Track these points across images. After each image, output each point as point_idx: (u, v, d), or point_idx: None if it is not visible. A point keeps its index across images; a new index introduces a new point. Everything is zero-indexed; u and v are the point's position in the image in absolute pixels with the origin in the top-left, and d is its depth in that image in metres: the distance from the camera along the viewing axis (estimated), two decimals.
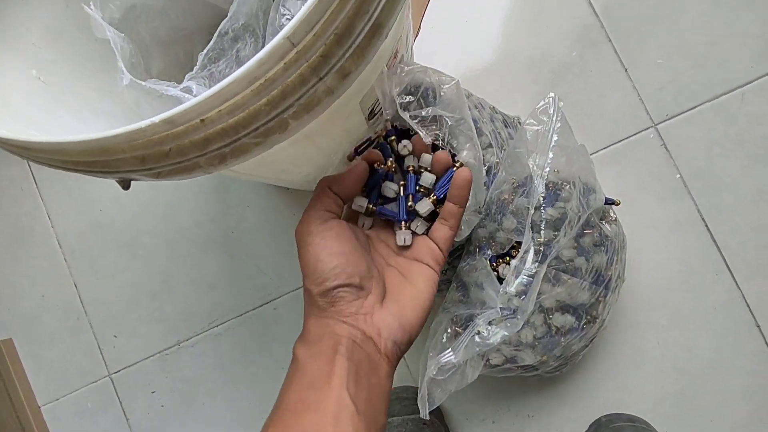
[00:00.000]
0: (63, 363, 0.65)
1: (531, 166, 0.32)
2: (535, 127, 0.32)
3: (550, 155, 0.31)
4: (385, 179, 0.34)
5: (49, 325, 0.65)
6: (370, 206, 0.33)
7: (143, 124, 0.20)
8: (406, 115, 0.31)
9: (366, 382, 0.27)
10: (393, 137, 0.35)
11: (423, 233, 0.33)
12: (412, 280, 0.31)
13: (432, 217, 0.34)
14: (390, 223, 0.34)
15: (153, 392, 0.62)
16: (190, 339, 0.62)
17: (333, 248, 0.28)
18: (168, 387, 0.62)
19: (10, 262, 0.67)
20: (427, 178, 0.33)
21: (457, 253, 0.46)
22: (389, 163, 0.33)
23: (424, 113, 0.33)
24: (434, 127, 0.33)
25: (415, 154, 0.34)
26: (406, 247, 0.33)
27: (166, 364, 0.62)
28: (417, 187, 0.34)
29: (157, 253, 0.63)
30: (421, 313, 0.30)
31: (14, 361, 0.66)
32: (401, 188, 0.33)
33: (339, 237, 0.29)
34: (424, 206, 0.32)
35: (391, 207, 0.34)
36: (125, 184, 0.26)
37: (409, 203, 0.32)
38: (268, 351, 0.61)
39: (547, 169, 0.31)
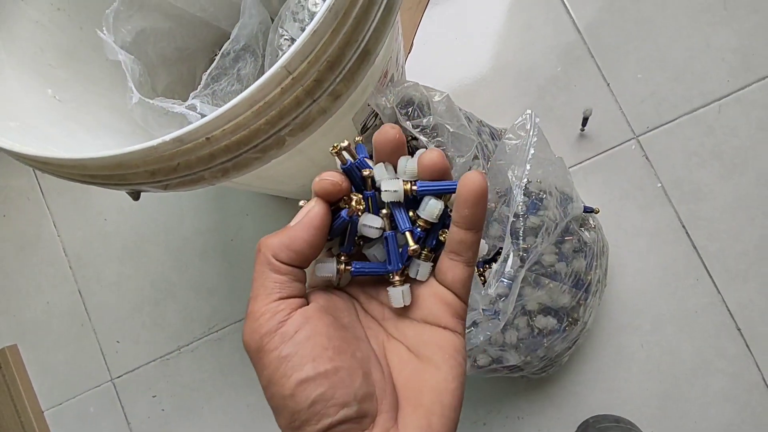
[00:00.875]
0: (66, 368, 0.67)
1: (510, 178, 0.34)
2: (514, 142, 0.35)
3: (528, 167, 0.34)
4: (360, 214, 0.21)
5: (54, 331, 0.67)
6: (345, 267, 0.22)
7: (155, 142, 0.22)
8: (408, 124, 0.34)
9: None
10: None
11: (427, 278, 0.22)
12: (429, 358, 0.21)
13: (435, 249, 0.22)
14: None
15: (154, 396, 0.64)
16: (191, 344, 0.64)
17: (306, 363, 0.18)
18: (169, 391, 0.64)
19: (16, 269, 0.69)
20: (433, 207, 0.20)
21: None
22: (353, 203, 0.20)
23: (425, 122, 0.35)
24: (435, 134, 0.36)
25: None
26: (406, 308, 0.22)
27: (167, 369, 0.64)
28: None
29: (159, 261, 0.66)
30: (453, 415, 0.20)
31: (19, 367, 0.68)
32: (386, 221, 0.21)
33: (312, 339, 0.19)
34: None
35: (374, 254, 0.22)
36: (135, 196, 0.28)
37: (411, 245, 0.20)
38: None
39: (525, 180, 0.34)
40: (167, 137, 0.22)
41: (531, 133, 0.34)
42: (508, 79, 0.60)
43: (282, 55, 0.48)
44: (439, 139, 0.34)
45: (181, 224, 0.65)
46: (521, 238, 0.36)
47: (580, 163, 0.57)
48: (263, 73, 0.48)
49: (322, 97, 0.25)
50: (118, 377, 0.65)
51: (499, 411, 0.55)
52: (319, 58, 0.23)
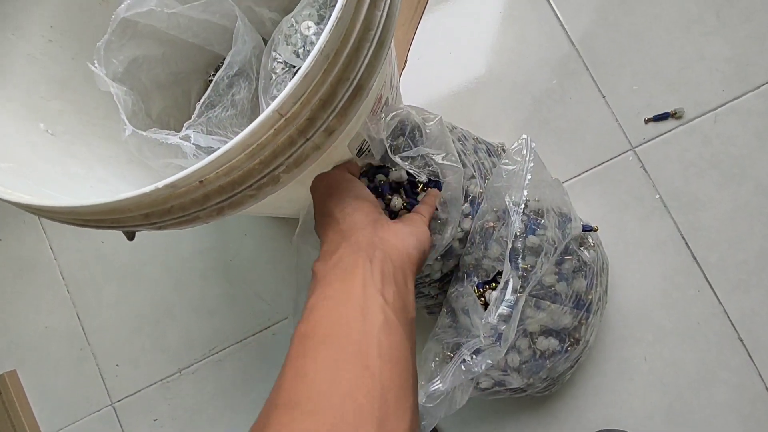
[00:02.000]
0: (66, 393, 0.66)
1: (508, 203, 0.34)
2: (511, 167, 0.35)
3: (525, 192, 0.33)
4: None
5: (53, 355, 0.67)
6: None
7: (148, 189, 0.22)
8: (397, 159, 0.34)
9: (391, 279, 0.26)
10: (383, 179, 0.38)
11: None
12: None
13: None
14: None
15: (155, 420, 0.64)
16: (191, 366, 0.63)
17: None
18: (170, 414, 0.63)
19: (14, 294, 0.69)
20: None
21: (447, 279, 0.48)
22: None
23: (412, 153, 0.35)
24: (424, 164, 0.36)
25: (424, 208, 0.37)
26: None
27: (167, 392, 0.63)
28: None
29: (158, 283, 0.65)
30: (425, 228, 0.31)
31: (18, 392, 0.67)
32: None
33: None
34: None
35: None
36: (130, 236, 0.28)
37: None
38: (268, 376, 0.62)
39: (523, 205, 0.33)
40: (159, 184, 0.22)
41: (527, 158, 0.34)
42: (504, 93, 0.60)
43: (275, 79, 0.47)
44: (430, 168, 0.33)
45: (180, 245, 0.65)
46: (521, 257, 0.36)
47: (578, 175, 0.57)
48: (257, 96, 0.48)
49: (315, 134, 0.25)
50: (119, 401, 0.65)
51: (504, 429, 0.54)
52: (311, 99, 0.23)
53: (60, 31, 0.41)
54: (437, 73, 0.61)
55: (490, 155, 0.51)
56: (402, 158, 0.36)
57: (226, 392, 0.63)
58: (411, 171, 0.37)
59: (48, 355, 0.67)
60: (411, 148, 0.36)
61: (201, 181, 0.23)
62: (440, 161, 0.33)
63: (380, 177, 0.39)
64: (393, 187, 0.41)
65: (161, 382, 0.64)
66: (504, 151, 0.56)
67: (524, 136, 0.35)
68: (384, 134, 0.35)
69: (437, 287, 0.49)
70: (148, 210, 0.24)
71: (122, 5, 0.36)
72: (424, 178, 0.36)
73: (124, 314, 0.66)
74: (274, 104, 0.22)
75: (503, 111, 0.60)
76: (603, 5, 0.59)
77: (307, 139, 0.25)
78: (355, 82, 0.25)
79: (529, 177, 0.33)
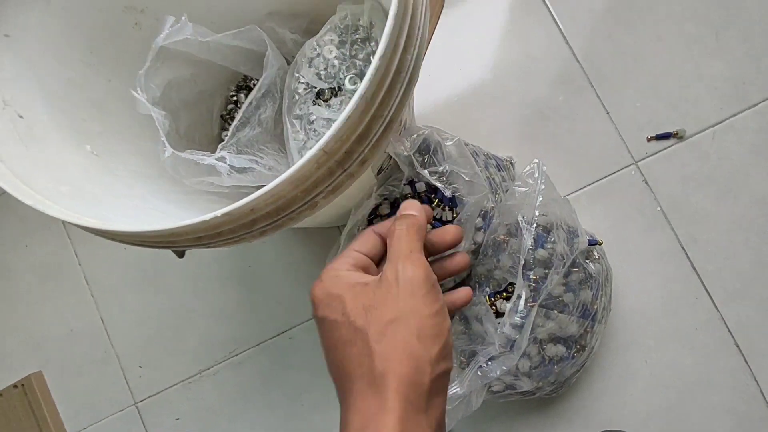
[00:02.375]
0: (91, 393, 0.69)
1: (520, 221, 0.37)
2: (523, 189, 0.38)
3: (536, 213, 0.36)
4: None
5: (78, 357, 0.70)
6: None
7: (207, 217, 0.25)
8: (425, 173, 0.36)
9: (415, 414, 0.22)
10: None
11: None
12: None
13: None
14: None
15: (177, 419, 0.66)
16: (212, 368, 0.66)
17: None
18: (191, 414, 0.66)
19: (40, 298, 0.72)
20: None
21: (458, 287, 0.50)
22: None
23: (441, 169, 0.38)
24: (451, 181, 0.38)
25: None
26: None
27: (189, 393, 0.66)
28: None
29: (178, 288, 0.68)
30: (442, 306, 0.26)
31: (44, 393, 0.70)
32: None
33: None
34: None
35: None
36: (180, 254, 0.30)
37: None
38: (285, 378, 0.65)
39: (534, 224, 0.36)
40: (218, 213, 0.25)
41: (539, 181, 0.37)
42: (511, 108, 0.62)
43: (298, 99, 0.50)
44: (455, 185, 0.36)
45: (201, 251, 0.68)
46: (531, 269, 0.39)
47: (583, 188, 0.60)
48: (280, 114, 0.50)
49: (352, 165, 0.28)
50: (142, 401, 0.68)
51: (514, 428, 0.57)
52: (350, 137, 0.26)
53: (97, 55, 0.44)
54: (445, 88, 0.64)
55: (499, 170, 0.53)
56: (430, 173, 0.38)
57: (245, 393, 0.66)
58: (438, 185, 0.39)
59: (73, 357, 0.70)
60: (436, 163, 0.39)
61: (252, 209, 0.26)
62: (467, 179, 0.35)
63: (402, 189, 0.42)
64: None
65: (183, 383, 0.66)
66: (512, 165, 0.59)
67: (536, 161, 0.38)
68: (411, 150, 0.37)
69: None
70: (203, 234, 0.27)
71: (160, 35, 0.39)
72: (449, 194, 0.39)
73: (147, 318, 0.68)
74: (320, 143, 0.25)
75: (511, 125, 0.62)
76: (607, 25, 0.61)
77: (344, 170, 0.28)
78: (388, 118, 0.28)
79: (540, 198, 0.36)
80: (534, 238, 0.37)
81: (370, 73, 0.24)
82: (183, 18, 0.39)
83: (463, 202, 0.41)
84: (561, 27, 0.62)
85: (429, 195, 0.45)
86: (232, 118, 0.49)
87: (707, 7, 0.59)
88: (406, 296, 0.24)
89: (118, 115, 0.45)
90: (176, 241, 0.27)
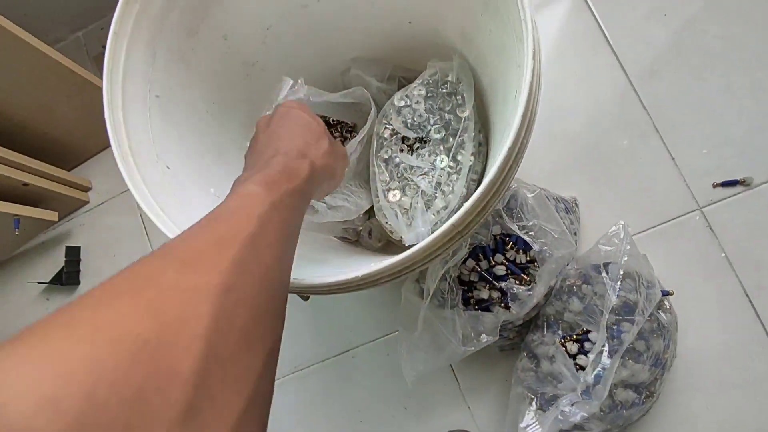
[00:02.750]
0: None
1: (605, 278, 0.39)
2: (608, 248, 0.40)
3: (621, 272, 0.39)
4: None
5: None
6: None
7: (388, 263, 0.29)
8: (515, 227, 0.40)
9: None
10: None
11: None
12: None
13: None
14: None
15: None
16: (278, 380, 0.71)
17: None
18: None
19: None
20: None
21: (526, 325, 0.53)
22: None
23: (530, 224, 0.41)
24: (539, 237, 0.42)
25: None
26: None
27: None
28: None
29: None
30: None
31: None
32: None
33: None
34: None
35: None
36: (306, 297, 0.35)
37: None
38: (346, 393, 0.69)
39: (618, 283, 0.39)
40: (395, 260, 0.29)
41: (624, 242, 0.39)
42: (576, 150, 0.65)
43: (384, 144, 0.54)
44: (542, 240, 0.39)
45: None
46: (616, 325, 0.41)
47: (645, 230, 0.62)
48: (367, 154, 0.54)
49: (468, 232, 0.31)
50: None
51: None
52: (471, 213, 0.30)
53: (216, 104, 0.49)
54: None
55: (567, 212, 0.56)
56: (519, 227, 0.42)
57: (307, 405, 0.70)
58: (526, 239, 0.42)
59: None
60: (523, 218, 0.42)
61: (405, 265, 0.30)
62: (556, 236, 0.38)
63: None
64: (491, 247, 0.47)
65: None
66: (577, 205, 0.61)
67: (621, 222, 0.41)
68: (501, 205, 0.41)
69: (516, 331, 0.55)
70: (370, 280, 0.31)
71: (279, 96, 0.43)
72: (537, 248, 0.42)
73: None
74: (453, 220, 0.28)
75: (574, 166, 0.65)
76: (675, 72, 0.63)
77: (462, 236, 0.31)
78: (502, 191, 0.31)
79: (625, 258, 0.39)
80: (616, 294, 0.39)
81: (498, 161, 0.28)
82: (300, 80, 0.43)
83: (544, 252, 0.44)
84: (626, 71, 0.64)
85: (504, 237, 0.48)
86: None
87: None
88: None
89: (234, 157, 0.50)
90: (344, 288, 0.32)
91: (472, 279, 0.49)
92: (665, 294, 0.46)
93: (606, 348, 0.38)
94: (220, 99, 0.49)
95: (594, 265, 0.41)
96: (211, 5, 0.44)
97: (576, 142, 0.65)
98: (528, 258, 0.47)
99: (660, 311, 0.45)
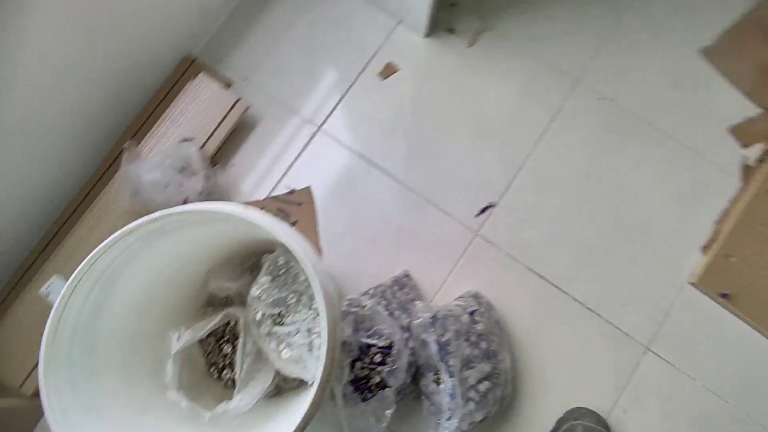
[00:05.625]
0: None
1: (425, 338, 0.64)
2: (417, 321, 0.66)
3: (434, 334, 0.64)
4: None
5: None
6: None
7: None
8: (364, 339, 0.62)
9: None
10: None
11: None
12: None
13: None
14: None
15: None
16: None
17: None
18: None
19: None
20: None
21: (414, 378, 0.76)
22: None
23: (372, 335, 0.64)
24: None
25: None
26: None
27: None
28: None
29: None
30: None
31: None
32: None
33: None
34: None
35: None
36: None
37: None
38: None
39: (433, 336, 0.64)
40: None
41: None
42: (392, 240, 0.91)
43: (261, 324, 0.73)
44: (388, 332, 0.62)
45: None
46: (446, 356, 0.66)
47: (450, 273, 0.89)
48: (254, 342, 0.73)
49: (334, 372, 0.52)
50: None
51: None
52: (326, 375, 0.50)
53: None
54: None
55: (402, 288, 0.81)
56: (367, 337, 0.64)
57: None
58: (373, 341, 0.65)
59: None
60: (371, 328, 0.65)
61: None
62: (391, 330, 0.61)
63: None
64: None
65: None
66: (408, 276, 0.87)
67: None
68: (349, 331, 0.63)
69: (412, 385, 0.77)
70: None
71: (174, 349, 0.60)
72: (382, 343, 0.65)
73: None
74: (323, 372, 0.49)
75: (397, 250, 0.91)
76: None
77: (330, 375, 0.52)
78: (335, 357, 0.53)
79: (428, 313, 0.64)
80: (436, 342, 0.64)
81: (322, 357, 0.49)
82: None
83: (391, 336, 0.67)
84: None
85: (364, 344, 0.70)
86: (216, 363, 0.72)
87: None
88: None
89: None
90: None
91: (363, 374, 0.70)
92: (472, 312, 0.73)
93: (447, 375, 0.63)
94: None
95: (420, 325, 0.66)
96: None
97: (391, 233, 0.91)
98: (386, 344, 0.70)
99: (475, 324, 0.72)
